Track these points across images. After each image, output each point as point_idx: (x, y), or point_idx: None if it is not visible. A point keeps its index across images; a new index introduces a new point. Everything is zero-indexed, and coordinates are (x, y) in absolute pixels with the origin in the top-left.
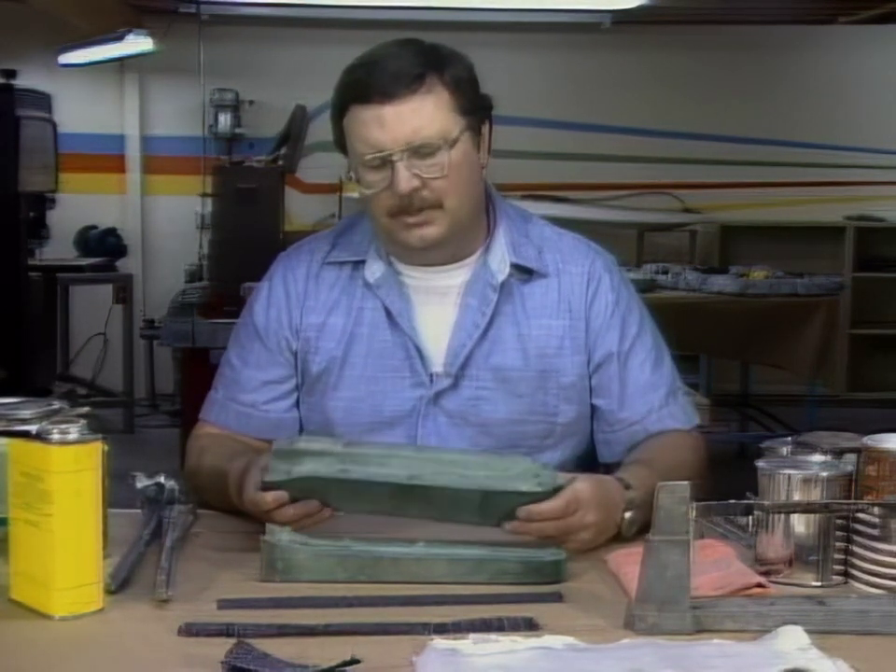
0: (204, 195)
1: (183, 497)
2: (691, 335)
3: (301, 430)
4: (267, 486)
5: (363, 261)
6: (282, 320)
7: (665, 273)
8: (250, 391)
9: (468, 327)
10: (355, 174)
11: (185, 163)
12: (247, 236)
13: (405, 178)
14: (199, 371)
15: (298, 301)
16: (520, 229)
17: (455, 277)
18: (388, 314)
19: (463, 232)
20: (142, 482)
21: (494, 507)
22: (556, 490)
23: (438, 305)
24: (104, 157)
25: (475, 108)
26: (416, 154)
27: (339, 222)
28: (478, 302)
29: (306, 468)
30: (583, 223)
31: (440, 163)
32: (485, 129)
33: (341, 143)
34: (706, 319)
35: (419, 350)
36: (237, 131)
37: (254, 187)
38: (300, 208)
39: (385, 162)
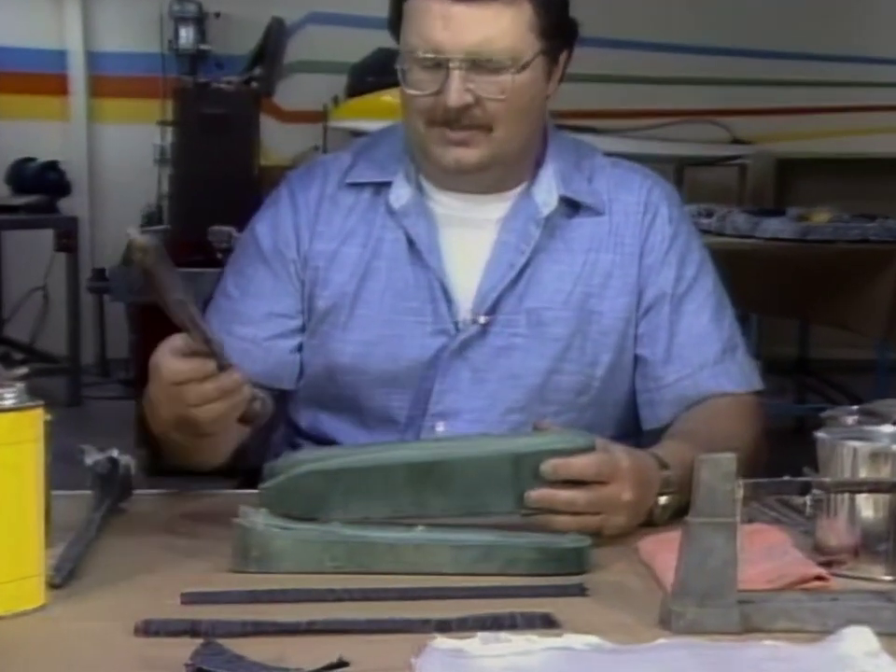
0: (164, 123)
1: (141, 475)
2: (739, 289)
3: (300, 380)
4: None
5: (388, 184)
6: (290, 243)
7: (710, 215)
8: (251, 323)
9: (502, 267)
10: (401, 67)
11: (140, 85)
12: (215, 172)
13: (458, 91)
14: (158, 331)
15: (308, 225)
16: (570, 159)
17: (494, 209)
18: (412, 246)
19: (508, 164)
20: (92, 456)
21: (528, 478)
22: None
23: (470, 240)
24: (41, 77)
25: (558, 33)
26: (477, 67)
27: (360, 139)
28: (516, 239)
29: (306, 467)
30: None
31: (501, 84)
32: (563, 58)
33: (394, 24)
34: (757, 270)
35: (445, 290)
36: (202, 47)
37: (223, 113)
38: (277, 139)
39: (440, 66)
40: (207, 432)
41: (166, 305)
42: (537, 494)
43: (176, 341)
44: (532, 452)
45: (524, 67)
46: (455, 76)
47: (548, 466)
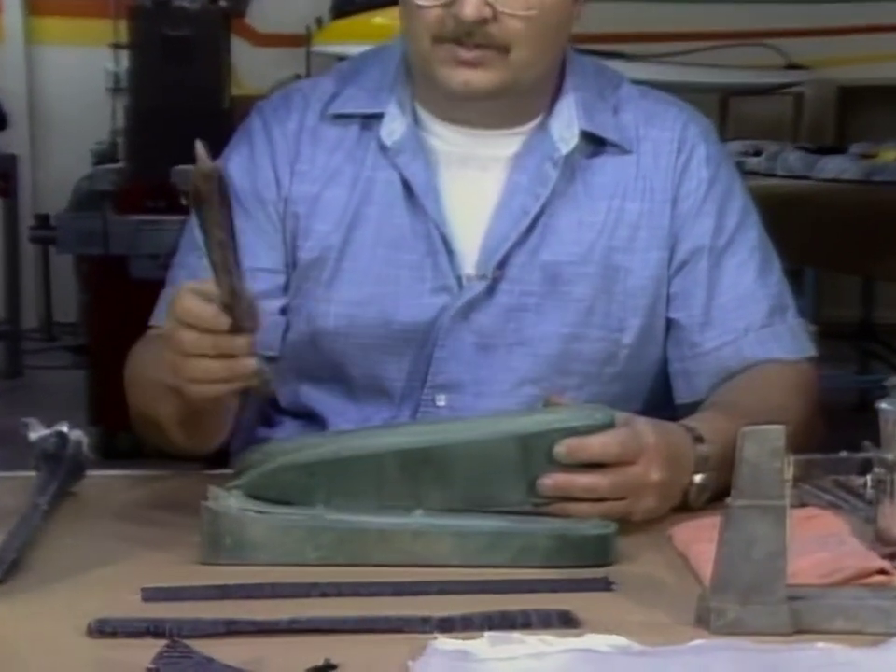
0: (117, 46)
1: (93, 454)
2: (791, 240)
3: (282, 342)
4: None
5: (379, 116)
6: (269, 183)
7: (758, 153)
8: None
9: (514, 213)
10: None
11: (88, 1)
12: (179, 103)
13: (474, 2)
14: (113, 289)
15: (286, 163)
16: (593, 88)
17: (504, 146)
18: (407, 189)
19: (523, 93)
20: (36, 431)
21: (539, 462)
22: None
23: (476, 182)
24: None
25: None
26: None
27: (343, 62)
28: (530, 181)
29: (282, 459)
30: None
31: None
32: None
33: None
34: (813, 218)
35: (446, 241)
36: None
37: (187, 35)
38: (251, 65)
39: None
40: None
41: (207, 243)
42: (551, 480)
43: (204, 283)
44: (542, 432)
45: None
46: None
47: (562, 447)
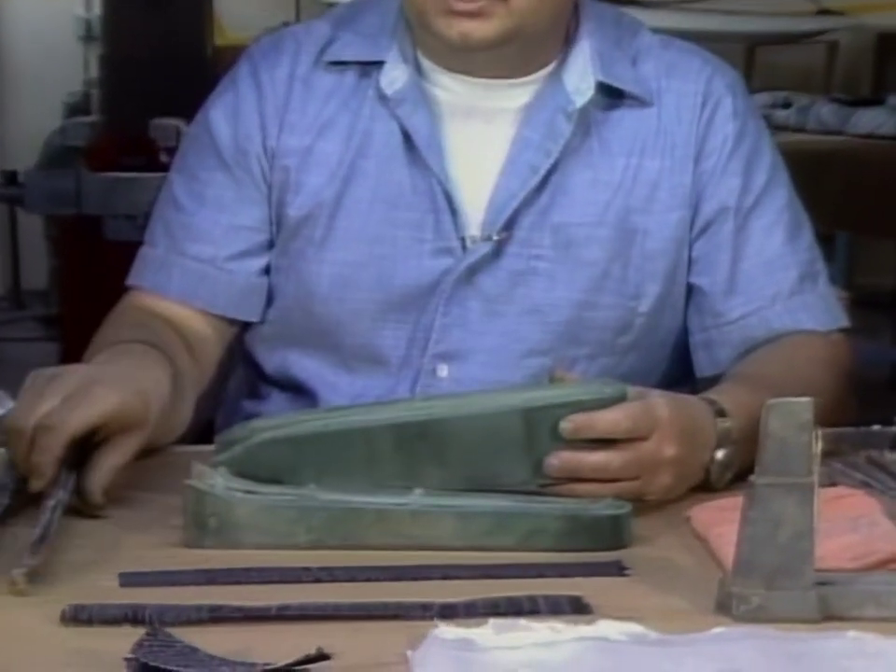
0: None
1: None
2: (823, 201)
3: (268, 308)
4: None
5: (379, 64)
6: (254, 135)
7: (788, 106)
8: (209, 240)
9: (522, 170)
10: None
11: None
12: (158, 52)
13: None
14: (87, 252)
15: (276, 113)
16: (610, 35)
17: (513, 97)
18: (408, 142)
19: (530, 40)
20: (3, 405)
21: (545, 439)
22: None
23: (482, 136)
24: None
25: None
26: None
27: (339, 6)
28: (541, 136)
29: (268, 434)
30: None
31: None
32: None
33: None
34: (847, 176)
35: (449, 199)
36: None
37: None
38: (236, 12)
39: None
40: None
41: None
42: (558, 460)
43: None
44: (548, 406)
45: None
46: None
47: (568, 423)
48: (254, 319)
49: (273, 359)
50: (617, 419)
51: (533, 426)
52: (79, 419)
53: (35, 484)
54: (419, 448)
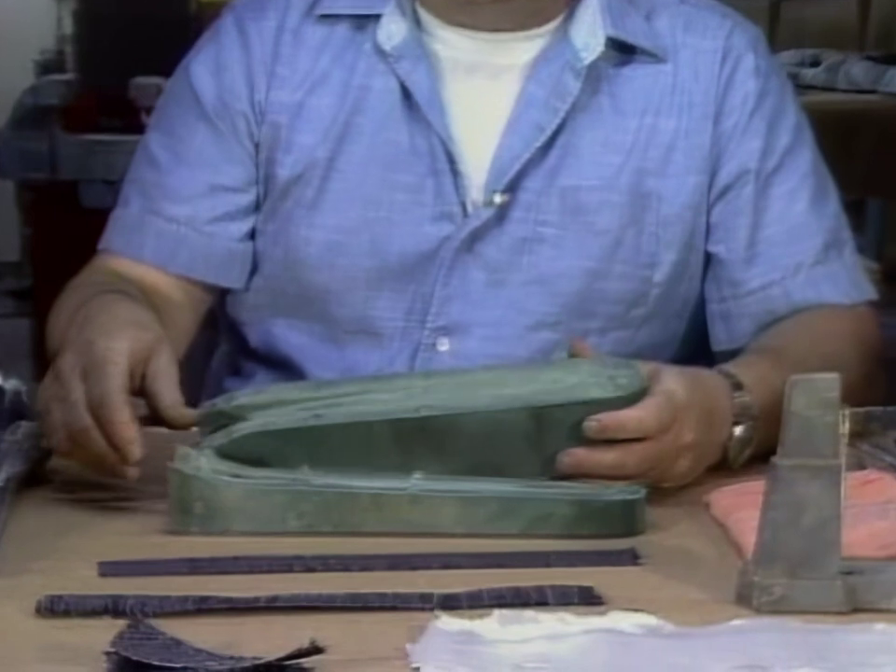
0: None
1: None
2: (852, 165)
3: (253, 275)
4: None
5: (375, 17)
6: (239, 91)
7: (816, 64)
8: (187, 200)
9: (527, 129)
10: None
11: None
12: (138, 8)
13: None
14: (62, 220)
15: (263, 67)
16: None
17: (518, 52)
18: (407, 99)
19: None
20: None
21: (554, 436)
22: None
23: (486, 93)
24: None
25: None
26: None
27: None
28: (547, 94)
29: (258, 421)
30: None
31: None
32: None
33: None
34: (879, 140)
35: (451, 159)
36: None
37: None
38: None
39: None
40: None
41: None
42: (573, 458)
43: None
44: (560, 404)
45: None
46: None
47: (593, 424)
48: (235, 286)
49: (257, 332)
50: (643, 419)
51: (543, 423)
52: (117, 372)
53: (137, 451)
54: (419, 442)
